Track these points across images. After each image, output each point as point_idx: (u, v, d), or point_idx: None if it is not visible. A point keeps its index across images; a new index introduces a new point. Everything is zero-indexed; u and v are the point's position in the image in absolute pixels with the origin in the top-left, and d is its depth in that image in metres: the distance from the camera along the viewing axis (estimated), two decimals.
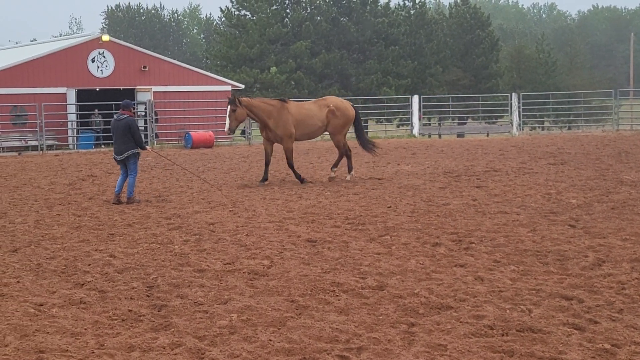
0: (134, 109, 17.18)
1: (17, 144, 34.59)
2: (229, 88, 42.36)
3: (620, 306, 7.50)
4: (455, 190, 16.74)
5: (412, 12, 64.35)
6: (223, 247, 11.09)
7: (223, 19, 69.83)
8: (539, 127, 49.58)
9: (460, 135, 45.76)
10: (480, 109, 48.97)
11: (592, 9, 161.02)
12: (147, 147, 17.01)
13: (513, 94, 42.55)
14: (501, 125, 47.66)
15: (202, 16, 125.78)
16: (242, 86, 45.54)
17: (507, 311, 7.41)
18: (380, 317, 7.37)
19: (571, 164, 21.74)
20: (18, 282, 9.24)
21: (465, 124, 53.41)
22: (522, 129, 42.14)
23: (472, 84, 63.89)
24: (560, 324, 6.99)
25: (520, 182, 17.99)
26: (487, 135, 43.26)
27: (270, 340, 6.77)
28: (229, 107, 18.42)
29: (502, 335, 6.74)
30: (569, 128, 49.28)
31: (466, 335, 6.75)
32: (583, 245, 10.58)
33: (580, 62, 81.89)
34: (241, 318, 7.43)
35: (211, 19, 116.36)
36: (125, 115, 16.01)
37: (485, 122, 49.67)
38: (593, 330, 6.78)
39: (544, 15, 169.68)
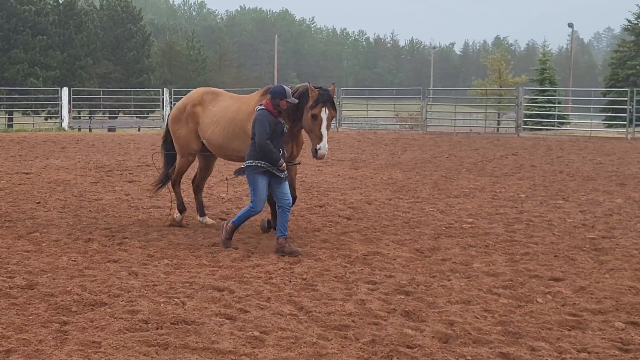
0: (285, 101, 10.00)
1: None
2: None
3: (268, 295, 7.89)
4: (107, 185, 16.54)
5: (61, 1, 62.27)
6: None
7: None
8: None
9: (111, 129, 45.24)
10: (132, 103, 48.67)
11: (239, 9, 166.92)
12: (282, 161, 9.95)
13: (165, 89, 42.89)
14: (153, 120, 47.85)
15: None
16: None
17: (162, 305, 7.47)
18: (30, 317, 7.08)
19: None
20: None
21: (116, 118, 52.82)
22: None
23: (124, 78, 63.44)
24: (212, 314, 7.19)
25: None
26: (139, 130, 43.18)
27: None
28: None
29: (157, 328, 6.79)
30: None
31: (121, 330, 6.70)
32: (234, 238, 10.97)
33: (229, 60, 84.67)
34: None
35: None
36: (261, 107, 10.08)
37: (137, 117, 49.54)
38: (243, 319, 7.06)
39: (194, 13, 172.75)
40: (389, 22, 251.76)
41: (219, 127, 11.44)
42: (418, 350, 6.27)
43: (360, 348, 6.32)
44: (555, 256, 9.95)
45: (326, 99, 10.24)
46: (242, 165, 10.14)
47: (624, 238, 11.16)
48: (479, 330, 6.78)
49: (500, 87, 55.88)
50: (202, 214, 12.33)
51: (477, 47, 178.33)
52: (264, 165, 9.83)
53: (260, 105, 10.08)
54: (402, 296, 7.93)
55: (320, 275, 8.80)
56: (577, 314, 7.33)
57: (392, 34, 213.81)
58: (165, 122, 12.80)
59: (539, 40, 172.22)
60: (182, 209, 12.18)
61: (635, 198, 15.20)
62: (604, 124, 45.98)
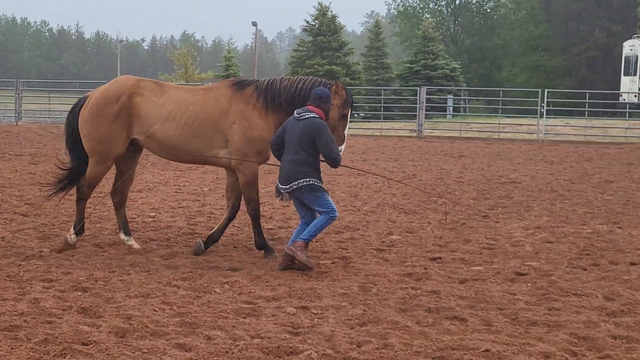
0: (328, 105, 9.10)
1: None
2: None
3: None
4: None
5: None
6: None
7: None
8: None
9: None
10: None
11: None
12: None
13: None
14: None
15: None
16: None
17: None
18: None
19: None
20: None
21: None
22: None
23: None
24: None
25: None
26: None
27: None
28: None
29: None
30: None
31: None
32: None
33: None
34: None
35: None
36: (312, 115, 8.88)
37: None
38: None
39: None
40: (74, 14, 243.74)
41: (175, 123, 9.45)
42: (93, 346, 6.15)
43: (32, 348, 6.07)
44: (235, 247, 10.24)
45: (352, 99, 9.36)
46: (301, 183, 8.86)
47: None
48: (156, 322, 6.79)
49: (187, 82, 56.37)
50: (127, 233, 10.16)
51: (165, 43, 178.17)
52: (322, 186, 8.96)
53: (312, 113, 8.84)
54: (79, 293, 7.73)
55: None
56: (252, 301, 7.58)
57: (77, 25, 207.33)
58: (67, 123, 10.00)
59: (225, 38, 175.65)
60: (81, 230, 10.02)
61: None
62: None
